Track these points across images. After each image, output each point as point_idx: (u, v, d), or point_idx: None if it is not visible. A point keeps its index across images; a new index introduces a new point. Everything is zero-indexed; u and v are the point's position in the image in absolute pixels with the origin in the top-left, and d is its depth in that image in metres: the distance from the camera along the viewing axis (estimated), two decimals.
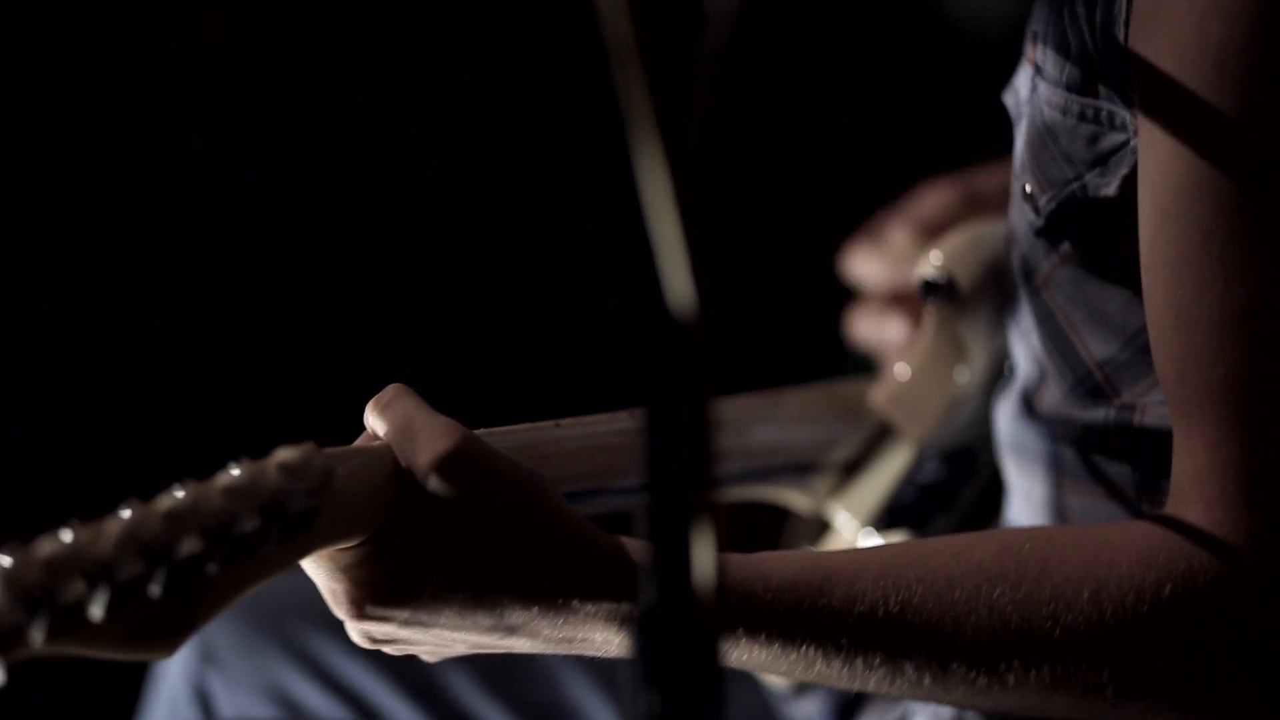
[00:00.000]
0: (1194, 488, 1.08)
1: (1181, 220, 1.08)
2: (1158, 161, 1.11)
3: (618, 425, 1.23)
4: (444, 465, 1.09)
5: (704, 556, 0.82)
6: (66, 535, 0.97)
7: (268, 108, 2.78)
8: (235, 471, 1.03)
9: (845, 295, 1.64)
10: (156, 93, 2.73)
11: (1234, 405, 1.07)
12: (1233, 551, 1.06)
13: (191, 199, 2.72)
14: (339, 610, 1.11)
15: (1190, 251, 1.08)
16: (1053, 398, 1.28)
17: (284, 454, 1.05)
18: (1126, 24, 1.12)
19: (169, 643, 1.02)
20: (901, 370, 1.48)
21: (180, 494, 1.01)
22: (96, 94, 2.71)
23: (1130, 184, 1.15)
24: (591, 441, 1.23)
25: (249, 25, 2.75)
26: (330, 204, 2.85)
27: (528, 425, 1.21)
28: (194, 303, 2.76)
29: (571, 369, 2.70)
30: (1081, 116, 1.19)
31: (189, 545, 1.00)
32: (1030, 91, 1.25)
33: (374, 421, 1.13)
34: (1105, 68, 1.16)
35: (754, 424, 1.45)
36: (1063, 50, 1.19)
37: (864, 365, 1.58)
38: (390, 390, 1.13)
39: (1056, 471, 1.29)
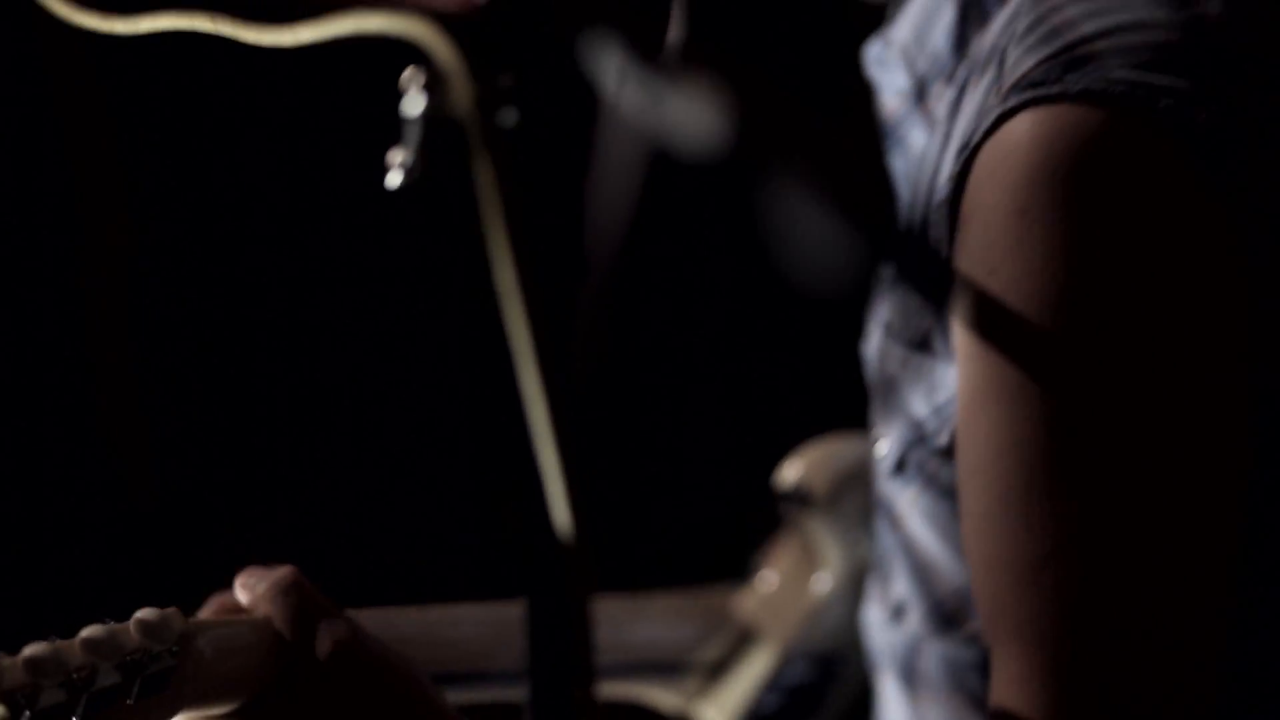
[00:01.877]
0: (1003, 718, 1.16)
1: (989, 473, 1.15)
2: (966, 418, 1.18)
3: (496, 613, 1.31)
4: (341, 652, 1.14)
5: None
6: None
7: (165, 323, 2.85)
8: (97, 627, 1.10)
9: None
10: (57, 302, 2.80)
11: (1038, 645, 1.14)
12: None
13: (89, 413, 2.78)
14: None
15: (996, 504, 1.15)
16: (913, 616, 1.34)
17: (145, 613, 1.12)
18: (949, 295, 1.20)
19: None
20: (765, 577, 1.57)
21: (43, 646, 1.08)
22: None
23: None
24: (469, 629, 1.30)
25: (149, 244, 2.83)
26: (223, 412, 2.91)
27: (408, 609, 1.28)
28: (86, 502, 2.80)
29: (454, 562, 2.77)
30: (918, 370, 1.27)
31: (51, 695, 1.06)
32: (877, 341, 1.33)
33: (264, 598, 1.18)
34: (939, 322, 1.23)
35: (626, 623, 1.52)
36: (903, 306, 1.27)
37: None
38: (287, 573, 1.18)
39: (914, 684, 1.35)
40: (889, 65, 1.36)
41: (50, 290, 2.82)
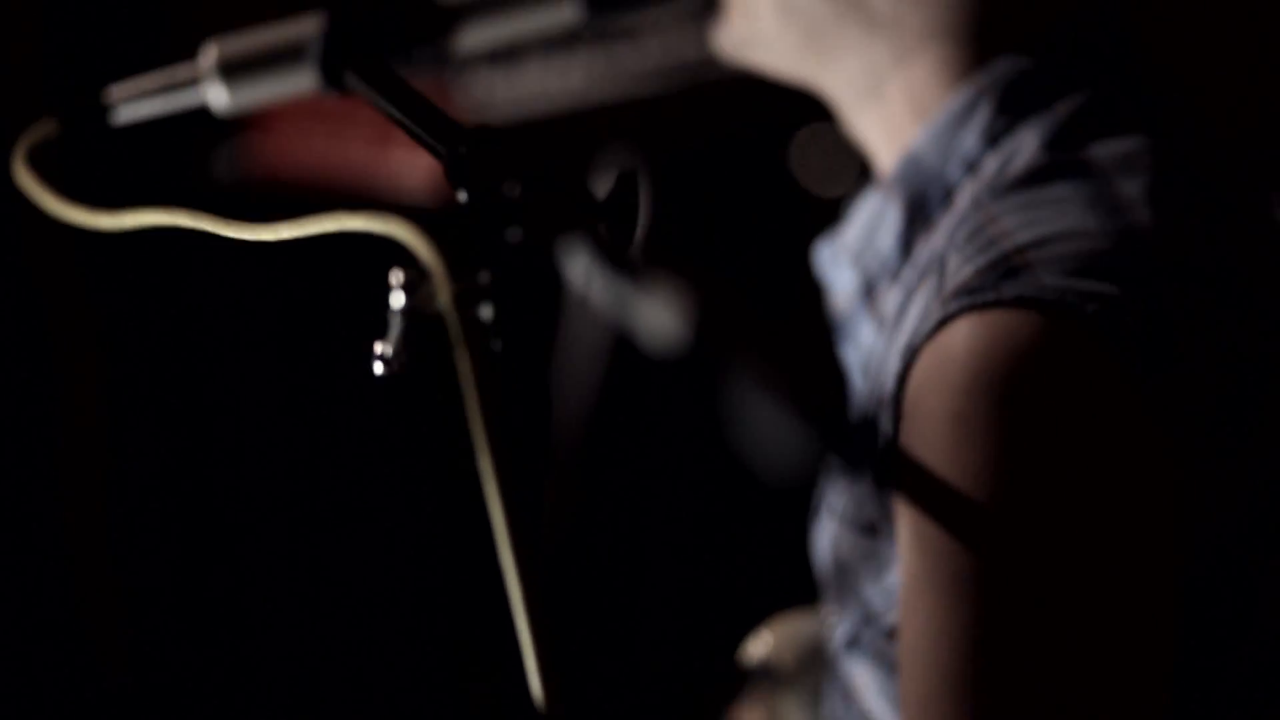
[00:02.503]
0: None
1: (926, 657, 1.20)
2: (906, 602, 1.23)
3: None
4: None
5: None
6: None
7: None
8: None
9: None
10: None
11: None
12: None
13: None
14: None
15: (933, 687, 1.19)
16: None
17: None
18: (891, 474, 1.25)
19: None
20: None
21: None
22: None
23: None
24: None
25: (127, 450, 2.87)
26: (205, 593, 2.94)
27: None
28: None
29: None
30: (866, 555, 1.31)
31: None
32: (829, 526, 1.37)
33: None
34: (885, 509, 1.28)
35: None
36: (854, 493, 1.32)
37: None
38: None
39: None
40: (839, 264, 1.43)
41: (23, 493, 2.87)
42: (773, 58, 1.43)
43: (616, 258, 0.85)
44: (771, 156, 2.74)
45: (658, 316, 0.79)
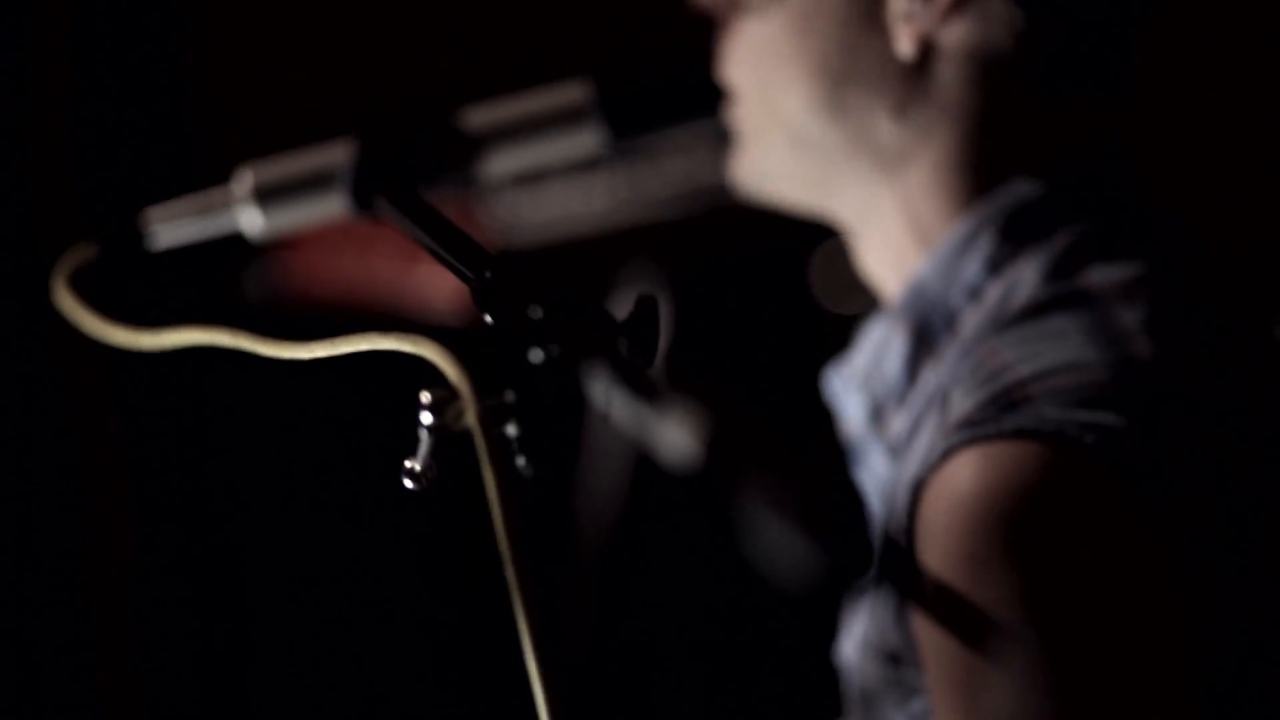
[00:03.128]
0: None
1: None
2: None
3: None
4: None
5: None
6: None
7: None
8: None
9: None
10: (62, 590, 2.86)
11: None
12: None
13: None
14: None
15: None
16: None
17: None
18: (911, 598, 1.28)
19: None
20: None
21: None
22: None
23: None
24: None
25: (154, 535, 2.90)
26: (220, 653, 2.96)
27: None
28: None
29: None
30: (891, 682, 1.33)
31: None
32: (854, 653, 1.39)
33: None
34: (907, 636, 1.31)
35: None
36: (878, 620, 1.34)
37: None
38: None
39: None
40: (848, 390, 1.47)
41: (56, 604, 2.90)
42: (785, 188, 1.48)
43: (636, 378, 0.89)
44: (790, 276, 2.79)
45: (675, 435, 0.83)
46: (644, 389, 0.88)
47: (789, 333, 2.80)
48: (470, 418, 1.02)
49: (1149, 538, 1.22)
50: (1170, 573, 1.22)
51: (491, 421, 1.03)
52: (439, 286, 2.62)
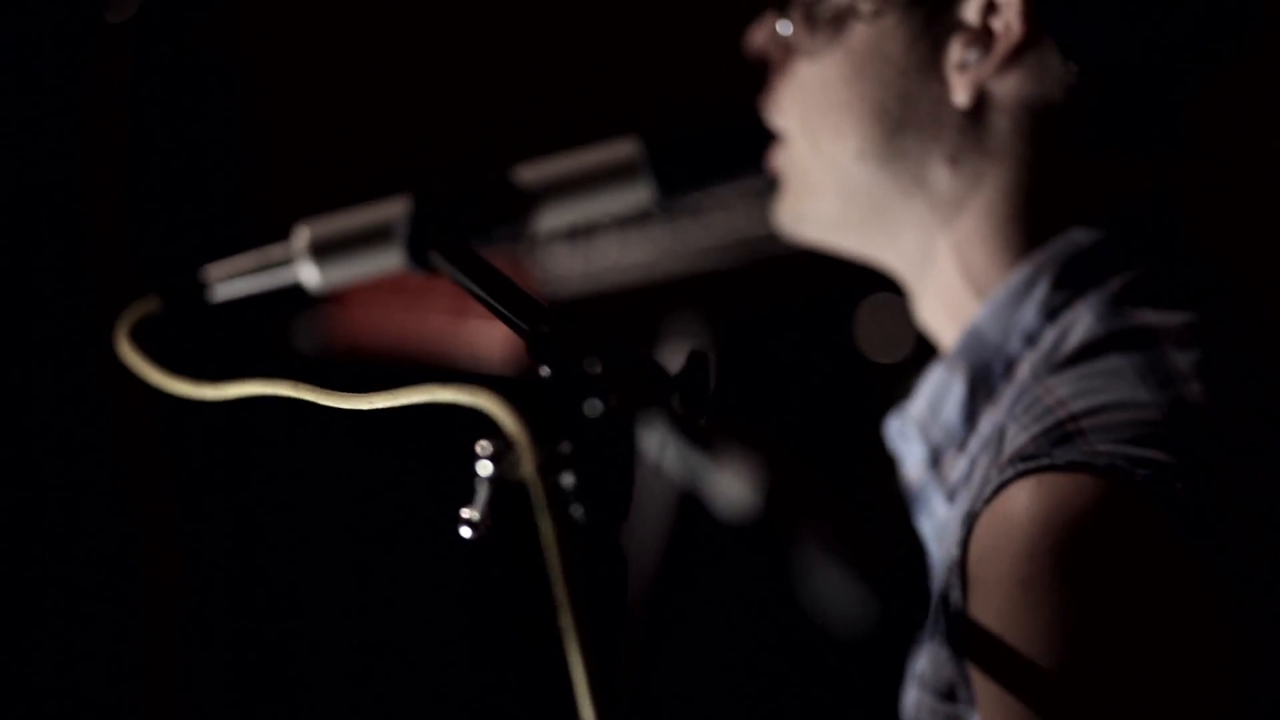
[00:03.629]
0: None
1: None
2: None
3: None
4: None
5: None
6: None
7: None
8: None
9: None
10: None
11: None
12: None
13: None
14: None
15: None
16: None
17: None
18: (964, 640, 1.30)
19: None
20: None
21: None
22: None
23: None
24: None
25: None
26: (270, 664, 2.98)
27: None
28: None
29: None
30: (946, 718, 1.35)
31: None
32: (913, 693, 1.41)
33: None
34: (962, 673, 1.32)
35: None
36: (934, 659, 1.36)
37: None
38: None
39: None
40: (908, 437, 1.49)
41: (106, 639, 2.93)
42: (834, 235, 1.51)
43: (691, 430, 0.92)
44: (834, 325, 2.80)
45: (730, 485, 0.85)
46: (699, 441, 0.90)
47: (833, 382, 2.82)
48: (528, 468, 1.04)
49: (1196, 573, 1.24)
50: (1215, 609, 1.24)
51: (548, 471, 1.05)
52: (491, 338, 2.65)
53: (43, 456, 2.90)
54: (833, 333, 2.81)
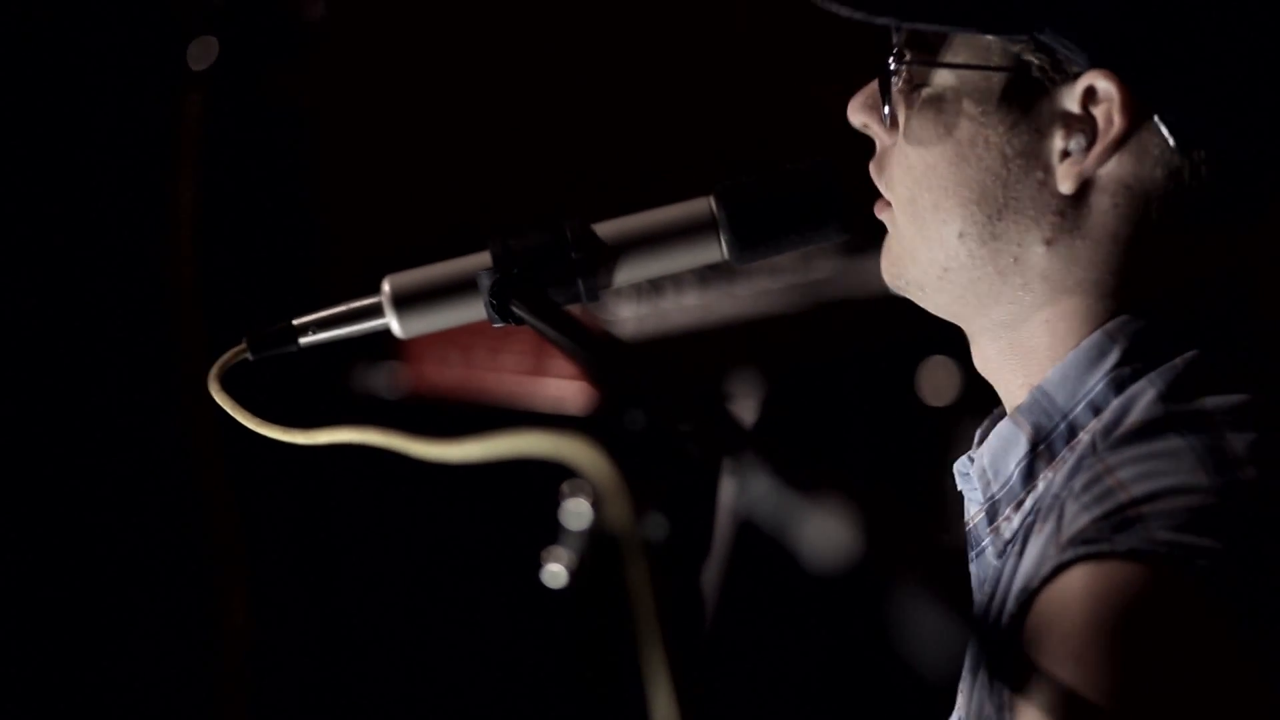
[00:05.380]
0: None
1: None
2: None
3: None
4: None
5: None
6: None
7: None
8: None
9: None
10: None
11: None
12: None
13: None
14: None
15: None
16: None
17: None
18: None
19: None
20: None
21: None
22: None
23: None
24: None
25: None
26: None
27: None
28: None
29: None
30: None
31: None
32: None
33: None
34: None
35: None
36: (976, 702, 1.39)
37: None
38: None
39: None
40: (971, 482, 1.53)
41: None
42: (928, 299, 1.54)
43: (782, 477, 0.95)
44: (893, 370, 2.83)
45: (823, 531, 0.89)
46: (790, 487, 0.94)
47: (890, 425, 2.85)
48: (621, 518, 1.08)
49: (1250, 664, 1.27)
50: (1271, 702, 1.27)
51: (637, 520, 1.09)
52: (566, 388, 2.68)
53: (120, 501, 2.95)
54: (888, 378, 2.85)
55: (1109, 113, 1.42)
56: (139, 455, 2.95)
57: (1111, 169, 1.44)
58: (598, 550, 1.12)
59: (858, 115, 1.53)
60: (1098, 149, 1.43)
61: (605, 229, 1.56)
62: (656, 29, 3.25)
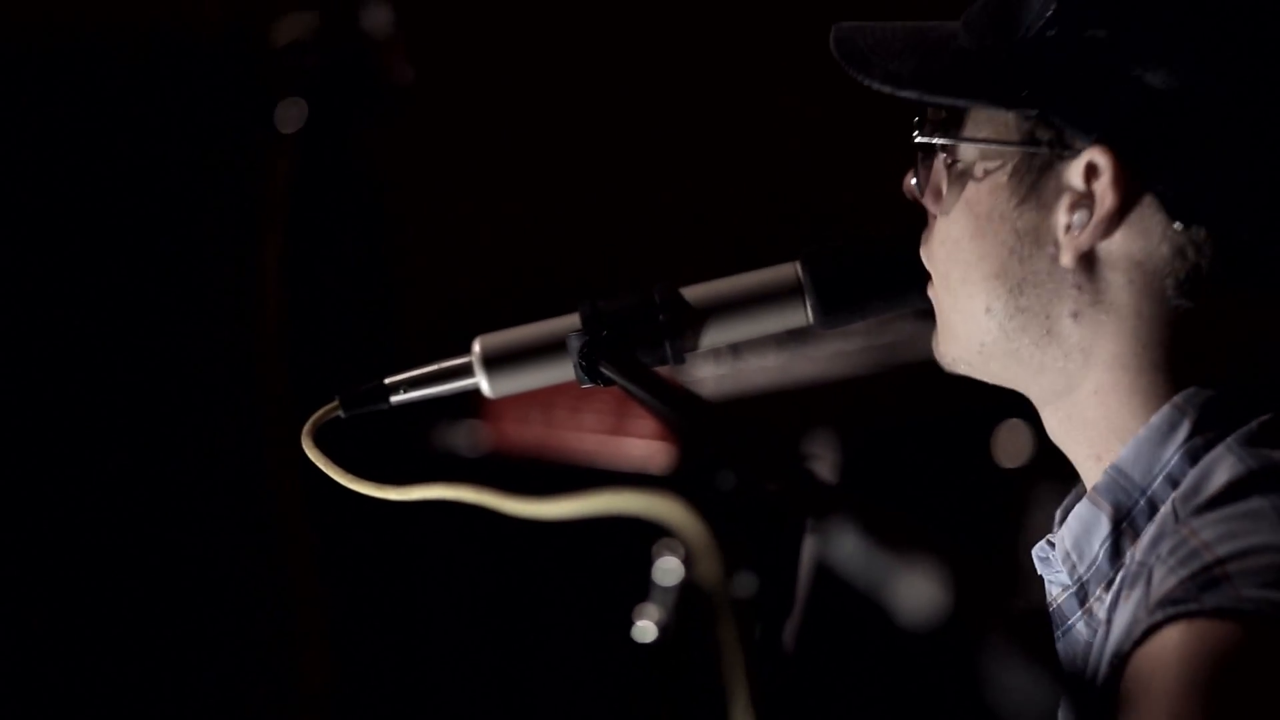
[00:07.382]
0: None
1: None
2: None
3: None
4: None
5: None
6: None
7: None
8: None
9: None
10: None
11: None
12: None
13: None
14: None
15: None
16: None
17: None
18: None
19: None
20: None
21: None
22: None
23: None
24: None
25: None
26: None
27: None
28: None
29: None
30: None
31: None
32: None
33: None
34: None
35: None
36: None
37: None
38: None
39: None
40: (1053, 564, 1.55)
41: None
42: (978, 375, 1.57)
43: (873, 537, 0.98)
44: (965, 433, 2.85)
45: (916, 590, 0.91)
46: (881, 545, 0.97)
47: (965, 488, 2.86)
48: (714, 576, 1.11)
49: None
50: None
51: (727, 578, 1.12)
52: (650, 444, 2.70)
53: (203, 556, 2.99)
54: (963, 440, 2.86)
55: (1103, 189, 1.45)
56: (224, 510, 2.99)
57: (1118, 245, 1.47)
58: (688, 607, 1.15)
59: (909, 185, 1.57)
60: (1092, 224, 1.46)
61: (692, 293, 1.59)
62: (748, 96, 3.28)
